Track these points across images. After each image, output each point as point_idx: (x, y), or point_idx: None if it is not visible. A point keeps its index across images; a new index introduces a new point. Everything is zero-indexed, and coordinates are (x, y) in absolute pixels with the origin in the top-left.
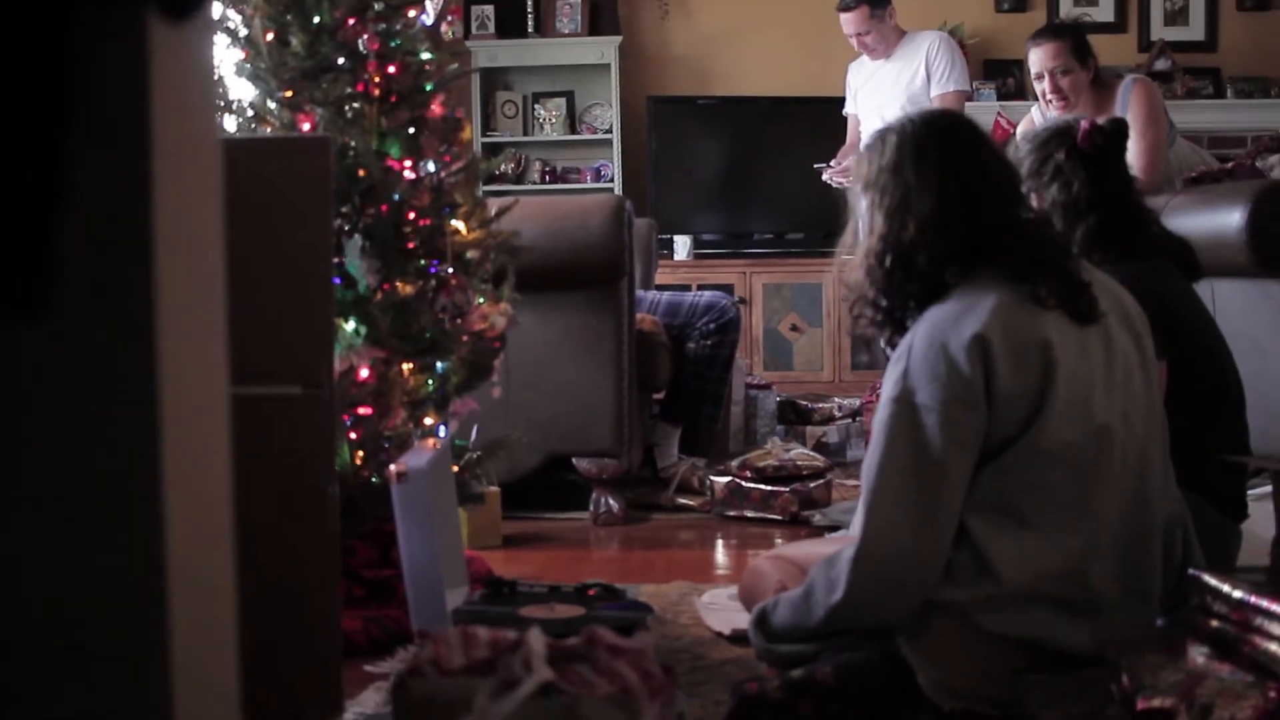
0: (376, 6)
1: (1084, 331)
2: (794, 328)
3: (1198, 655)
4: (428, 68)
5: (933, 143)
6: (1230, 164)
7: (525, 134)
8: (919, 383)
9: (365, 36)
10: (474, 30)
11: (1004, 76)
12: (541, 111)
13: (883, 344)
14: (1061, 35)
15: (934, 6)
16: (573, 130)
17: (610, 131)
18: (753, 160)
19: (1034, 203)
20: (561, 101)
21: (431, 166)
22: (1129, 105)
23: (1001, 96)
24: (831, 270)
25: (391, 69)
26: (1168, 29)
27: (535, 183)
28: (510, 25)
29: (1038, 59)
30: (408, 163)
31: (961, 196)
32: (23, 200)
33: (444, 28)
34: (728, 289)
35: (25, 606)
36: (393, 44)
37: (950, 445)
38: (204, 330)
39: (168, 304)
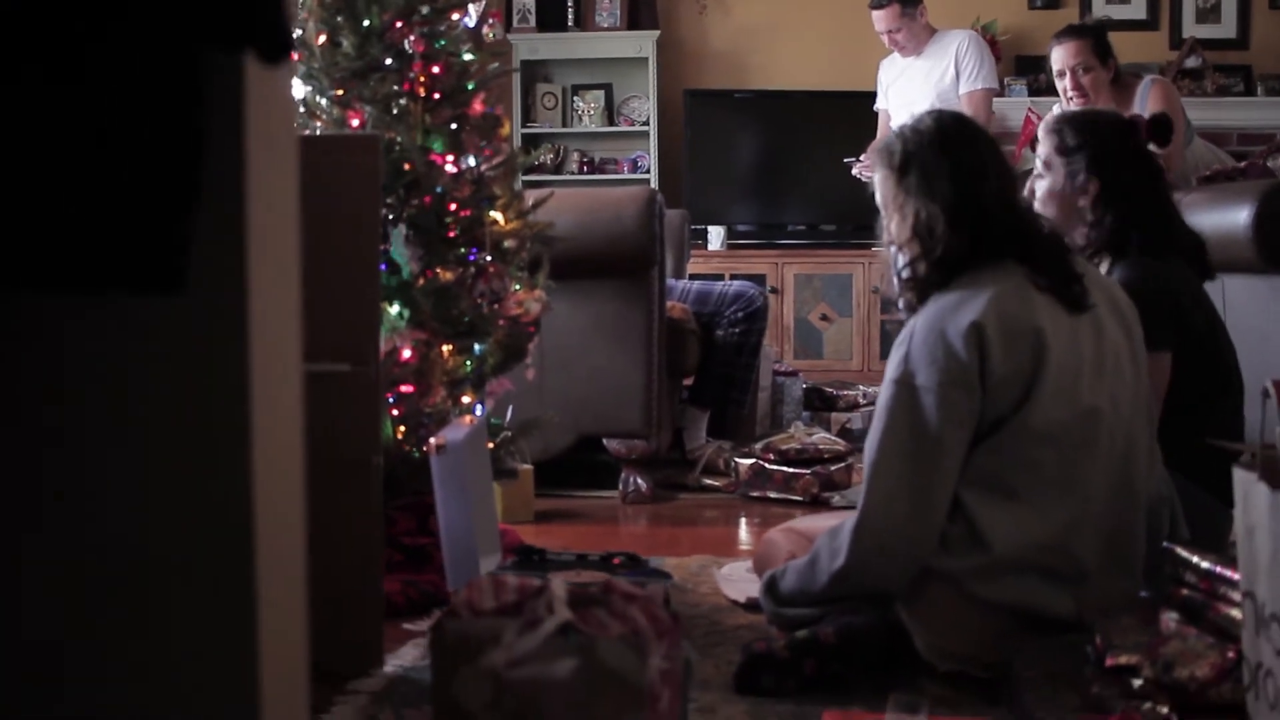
0: (423, 10)
1: (1075, 320)
2: (824, 317)
3: (1169, 620)
4: (470, 68)
5: (939, 150)
6: (1244, 163)
7: (564, 125)
8: (919, 366)
9: (411, 38)
10: (515, 24)
11: (1035, 72)
12: (580, 103)
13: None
14: (1083, 34)
15: (967, 3)
16: (610, 122)
17: (647, 124)
18: (786, 153)
19: (1059, 185)
20: (600, 94)
21: (472, 161)
22: (1147, 104)
23: (1033, 92)
24: (862, 262)
25: (436, 69)
26: (1199, 26)
27: (574, 173)
28: (550, 19)
29: (1060, 57)
30: (450, 157)
31: (967, 197)
32: (172, 194)
33: (485, 29)
34: (760, 279)
35: (133, 550)
36: (437, 45)
37: (946, 424)
38: (284, 312)
39: (257, 288)
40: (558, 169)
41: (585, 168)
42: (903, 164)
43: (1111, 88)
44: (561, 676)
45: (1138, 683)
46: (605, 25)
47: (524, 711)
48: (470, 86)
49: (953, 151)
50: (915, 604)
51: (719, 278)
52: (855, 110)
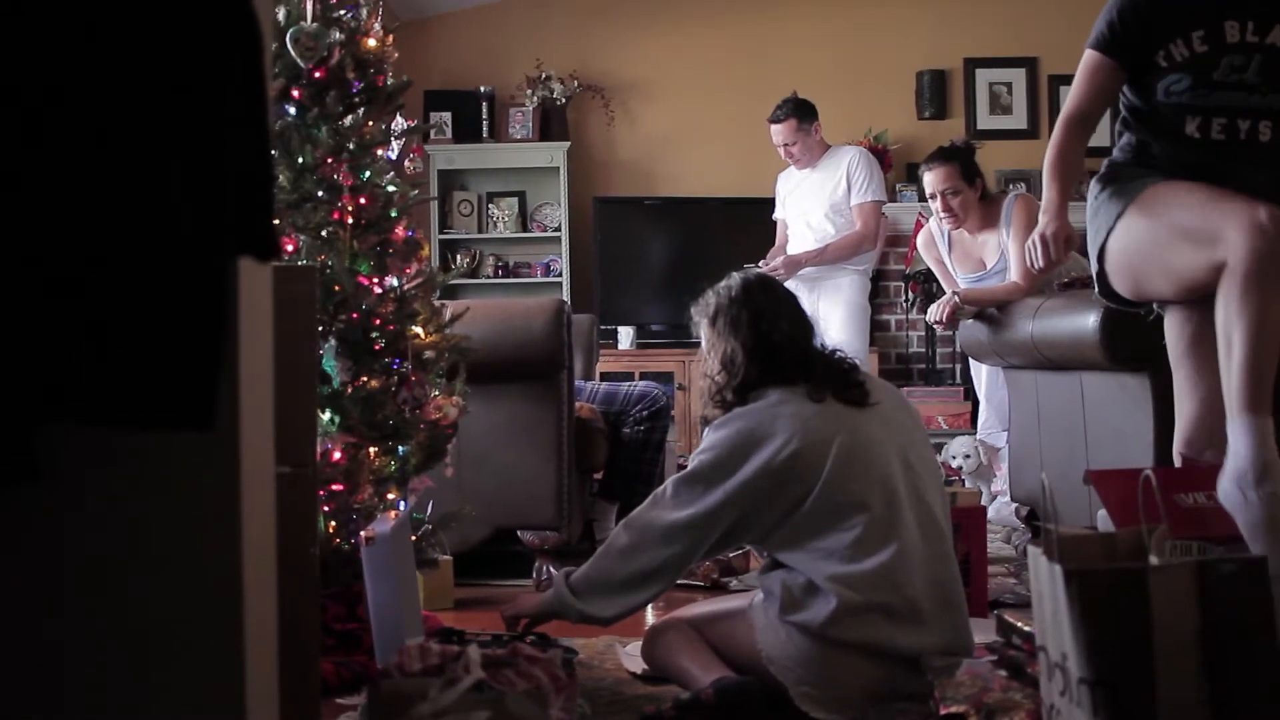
0: (350, 147)
1: (860, 412)
2: None
3: (998, 676)
4: (393, 197)
5: (740, 303)
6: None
7: (480, 231)
8: (717, 453)
9: (341, 172)
10: (432, 135)
11: None
12: (495, 210)
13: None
14: (950, 159)
15: (861, 114)
16: (524, 228)
17: (559, 230)
18: (693, 256)
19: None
20: (514, 201)
21: (395, 281)
22: (1011, 219)
23: (923, 198)
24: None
25: (363, 199)
26: None
27: (489, 277)
28: (466, 130)
29: (930, 181)
30: (375, 279)
31: (760, 337)
32: (206, 359)
33: (406, 163)
34: (668, 376)
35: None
36: (364, 177)
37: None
38: (261, 425)
39: (247, 409)
40: (474, 273)
41: (500, 272)
42: (714, 314)
43: (980, 205)
44: None
45: None
46: (518, 136)
47: None
48: (393, 214)
49: (751, 303)
50: (781, 657)
51: (629, 376)
52: (757, 216)
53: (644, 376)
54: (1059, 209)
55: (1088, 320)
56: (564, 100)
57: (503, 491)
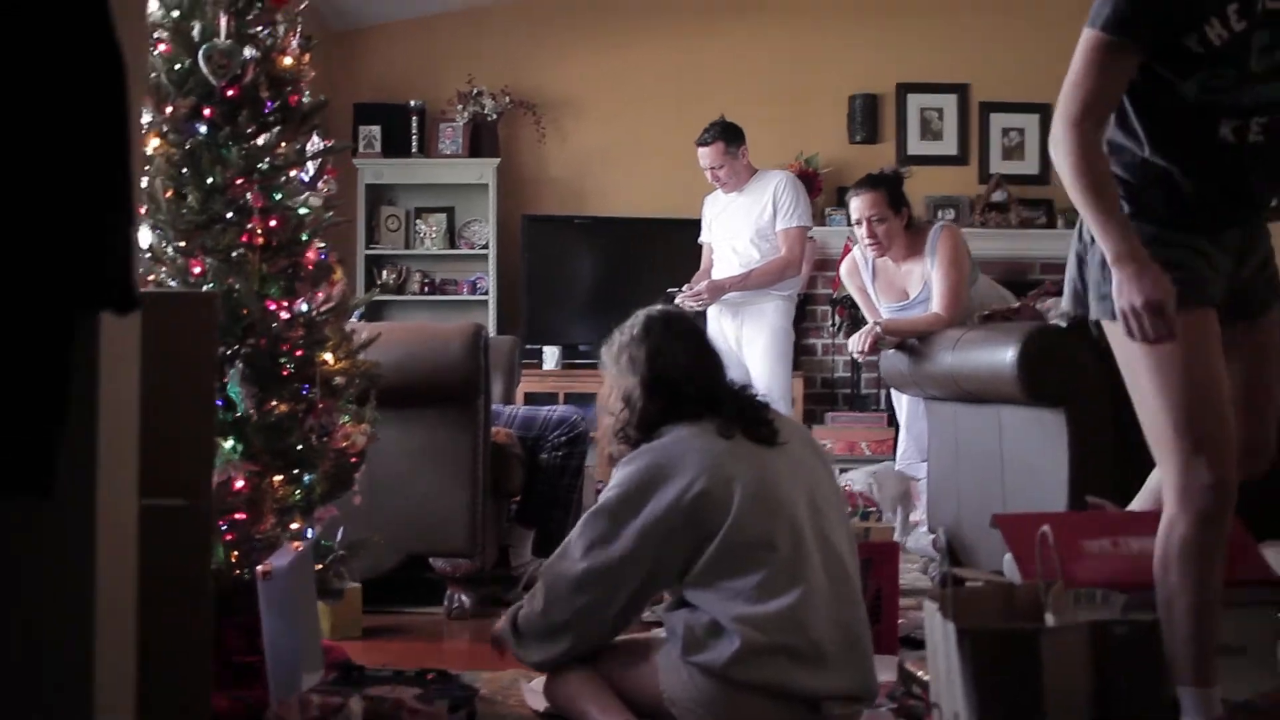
0: (261, 168)
1: (769, 451)
2: None
3: None
4: (305, 219)
5: (640, 341)
6: (1018, 304)
7: (407, 247)
8: (624, 489)
9: (251, 193)
10: (361, 148)
11: None
12: (422, 226)
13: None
14: (877, 186)
15: (793, 137)
16: (452, 245)
17: (487, 247)
18: (622, 276)
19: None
20: (442, 217)
21: (305, 306)
22: (936, 250)
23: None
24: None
25: (273, 221)
26: (1005, 163)
27: (415, 293)
28: (395, 145)
29: (856, 207)
30: (284, 303)
31: (659, 373)
32: (45, 425)
33: (320, 185)
34: (592, 397)
35: None
36: (275, 198)
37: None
38: (123, 463)
39: (103, 453)
40: (400, 289)
41: (427, 289)
42: (616, 352)
43: (906, 235)
44: None
45: None
46: (448, 152)
47: None
48: (305, 237)
49: (650, 340)
50: (683, 699)
51: (553, 397)
52: (687, 237)
53: (569, 398)
54: (1133, 247)
55: (1006, 355)
56: (495, 116)
57: (415, 517)
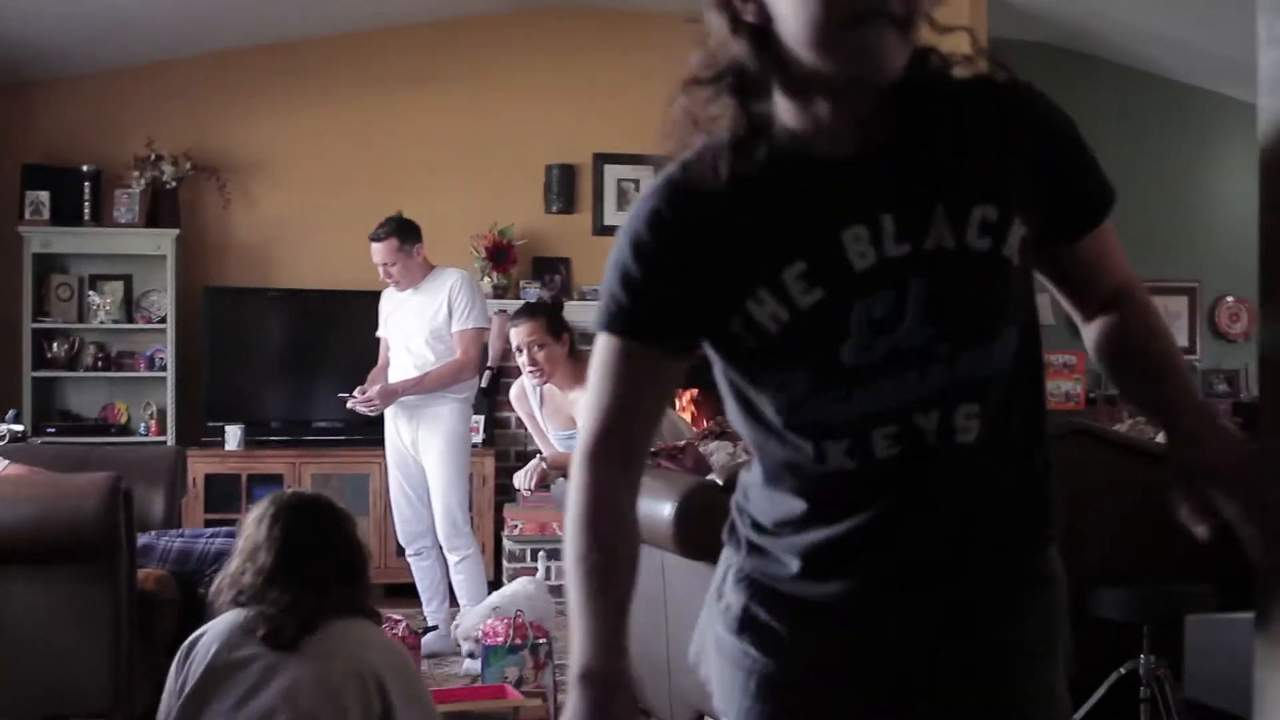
0: None
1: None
2: None
3: None
4: None
5: (268, 527)
6: (683, 443)
7: (80, 319)
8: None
9: None
10: (28, 215)
11: (551, 274)
12: (96, 297)
13: None
14: (536, 315)
15: (487, 207)
16: (129, 317)
17: (165, 320)
18: (311, 350)
19: None
20: (119, 285)
21: None
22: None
23: (548, 289)
24: (377, 462)
25: None
26: None
27: (89, 368)
28: (67, 212)
29: (515, 335)
30: None
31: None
32: None
33: None
34: (278, 479)
35: None
36: None
37: None
38: None
39: None
40: (71, 364)
41: (101, 363)
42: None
43: (569, 361)
44: None
45: None
46: (124, 221)
47: None
48: None
49: (272, 522)
50: None
51: (236, 478)
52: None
53: (252, 479)
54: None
55: (665, 508)
56: (175, 183)
57: (52, 678)
